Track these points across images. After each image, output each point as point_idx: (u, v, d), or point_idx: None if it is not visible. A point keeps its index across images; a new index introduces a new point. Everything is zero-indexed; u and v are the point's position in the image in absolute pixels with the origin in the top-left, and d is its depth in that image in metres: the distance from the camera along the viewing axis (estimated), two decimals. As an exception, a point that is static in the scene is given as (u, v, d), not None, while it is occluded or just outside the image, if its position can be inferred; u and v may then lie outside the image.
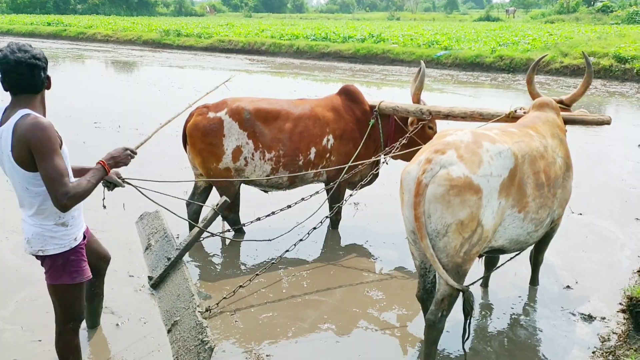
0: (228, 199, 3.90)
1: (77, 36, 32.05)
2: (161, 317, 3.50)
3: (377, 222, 5.30)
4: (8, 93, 2.43)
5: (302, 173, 4.52)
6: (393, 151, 4.49)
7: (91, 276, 2.73)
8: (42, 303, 3.52)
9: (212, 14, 65.84)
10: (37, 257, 2.57)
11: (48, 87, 2.48)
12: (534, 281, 4.01)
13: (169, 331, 3.29)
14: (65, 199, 2.31)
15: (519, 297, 3.92)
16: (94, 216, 3.91)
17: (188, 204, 4.61)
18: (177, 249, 3.85)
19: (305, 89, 13.63)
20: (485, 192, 2.74)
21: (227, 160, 4.31)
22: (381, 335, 3.45)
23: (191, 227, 4.10)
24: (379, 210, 5.54)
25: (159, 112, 10.26)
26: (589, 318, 3.59)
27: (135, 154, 2.79)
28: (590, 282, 4.10)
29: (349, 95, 4.73)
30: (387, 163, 4.74)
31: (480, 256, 3.34)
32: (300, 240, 4.10)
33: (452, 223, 2.72)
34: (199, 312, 3.17)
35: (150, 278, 3.90)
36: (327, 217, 4.38)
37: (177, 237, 4.45)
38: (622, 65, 15.20)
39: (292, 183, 4.59)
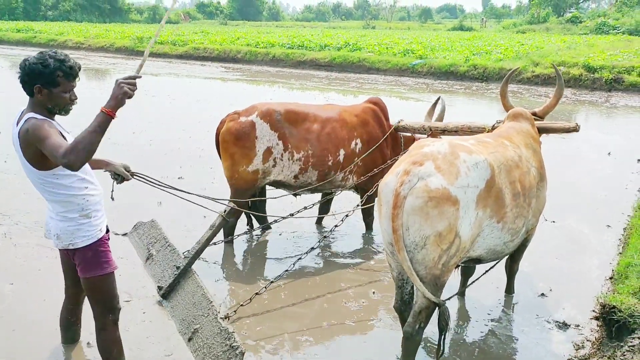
0: (235, 206, 3.97)
1: (47, 43, 31.34)
2: (176, 325, 3.49)
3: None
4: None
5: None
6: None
7: (116, 267, 2.85)
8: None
9: (187, 22, 65.34)
10: (68, 252, 2.73)
11: (42, 99, 2.51)
12: (509, 290, 4.04)
13: (189, 339, 3.28)
14: (66, 156, 2.32)
15: (495, 305, 3.93)
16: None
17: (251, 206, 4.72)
18: (185, 257, 3.85)
19: (281, 98, 13.60)
20: (462, 203, 2.75)
21: (258, 161, 4.41)
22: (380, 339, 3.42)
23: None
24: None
25: (131, 121, 10.08)
26: (564, 326, 3.62)
27: (139, 77, 2.69)
28: (564, 289, 4.14)
29: (376, 105, 4.92)
30: None
31: (457, 267, 3.34)
32: (319, 242, 4.25)
33: (431, 235, 2.71)
34: (220, 318, 3.19)
35: (160, 288, 3.85)
36: (342, 220, 4.43)
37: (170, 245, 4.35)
38: (591, 75, 15.60)
39: (321, 185, 4.66)
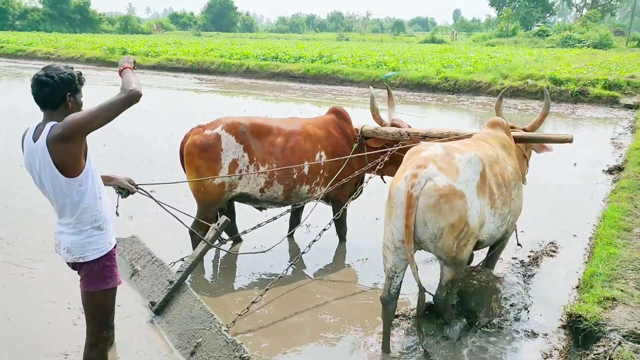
0: (229, 219, 3.95)
1: (15, 53, 30.69)
2: (174, 340, 3.46)
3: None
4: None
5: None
6: (377, 167, 4.74)
7: (120, 282, 2.87)
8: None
9: (160, 32, 64.87)
10: (75, 265, 2.72)
11: (69, 107, 2.59)
12: None
13: (192, 353, 3.25)
14: (128, 92, 2.49)
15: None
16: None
17: (192, 233, 4.52)
18: (178, 271, 3.82)
19: (255, 109, 13.59)
20: (468, 195, 3.16)
21: (224, 174, 4.38)
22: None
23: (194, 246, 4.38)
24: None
25: (102, 133, 9.93)
26: (532, 335, 3.69)
27: (133, 191, 3.15)
28: (532, 298, 4.22)
29: (338, 114, 4.95)
30: (366, 182, 4.90)
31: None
32: (303, 252, 4.29)
33: (445, 226, 3.12)
34: (225, 330, 3.19)
35: (152, 303, 3.78)
36: (324, 229, 4.46)
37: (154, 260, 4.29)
38: (558, 87, 16.06)
39: (287, 198, 4.68)
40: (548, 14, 63.57)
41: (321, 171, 4.72)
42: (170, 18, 78.73)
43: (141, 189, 3.28)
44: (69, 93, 2.56)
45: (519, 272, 4.67)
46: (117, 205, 3.16)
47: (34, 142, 2.54)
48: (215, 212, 4.51)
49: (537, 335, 3.68)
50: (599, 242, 4.50)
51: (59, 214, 2.69)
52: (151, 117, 12.09)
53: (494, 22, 64.46)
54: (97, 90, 17.63)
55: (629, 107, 14.51)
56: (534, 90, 16.24)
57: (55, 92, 2.53)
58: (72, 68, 2.64)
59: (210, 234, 3.90)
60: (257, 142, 4.48)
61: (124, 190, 3.15)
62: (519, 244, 4.41)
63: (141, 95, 2.54)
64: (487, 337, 3.69)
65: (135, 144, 9.32)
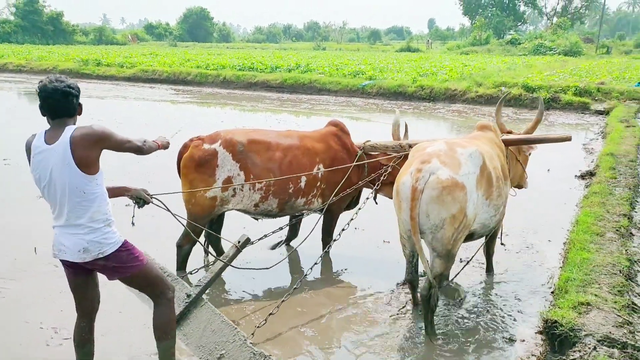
0: (249, 237, 3.95)
1: (-14, 65, 30.06)
2: (193, 352, 3.45)
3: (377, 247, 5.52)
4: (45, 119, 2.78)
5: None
6: (376, 184, 4.85)
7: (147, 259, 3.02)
8: None
9: (135, 43, 64.30)
10: (92, 264, 2.80)
11: (79, 113, 2.80)
12: (488, 269, 4.74)
13: None
14: (144, 146, 2.89)
15: (440, 320, 4.00)
16: None
17: (207, 236, 4.75)
18: (196, 285, 3.83)
19: (232, 120, 13.53)
20: (468, 187, 3.38)
21: (217, 190, 4.41)
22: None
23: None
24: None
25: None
26: (509, 341, 3.72)
27: (149, 201, 3.30)
28: (510, 304, 4.27)
29: (337, 127, 5.00)
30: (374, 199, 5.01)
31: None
32: (315, 264, 4.31)
33: (447, 217, 3.33)
34: (250, 343, 3.23)
35: None
36: (334, 240, 4.64)
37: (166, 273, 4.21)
38: (530, 94, 16.38)
39: (282, 210, 4.73)
40: (520, 23, 65.05)
41: (318, 183, 4.75)
42: (146, 29, 78.02)
43: (156, 199, 3.36)
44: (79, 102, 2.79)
45: (493, 277, 4.72)
46: (133, 216, 3.34)
47: (48, 144, 2.66)
48: (204, 224, 4.48)
49: (515, 341, 3.72)
50: (573, 247, 4.57)
51: (61, 216, 2.75)
52: (126, 129, 11.92)
53: (468, 31, 65.64)
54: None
55: (599, 113, 14.88)
56: (507, 98, 16.53)
57: (76, 100, 2.73)
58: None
59: (230, 251, 3.90)
60: (255, 159, 4.48)
61: (141, 200, 3.25)
62: (502, 244, 4.55)
63: (143, 150, 2.91)
64: (464, 342, 3.71)
65: (109, 157, 9.11)
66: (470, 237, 3.82)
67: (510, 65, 25.31)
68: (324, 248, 5.20)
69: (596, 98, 15.94)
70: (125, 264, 2.85)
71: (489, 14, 61.33)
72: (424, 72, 21.45)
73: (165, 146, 3.18)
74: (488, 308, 4.22)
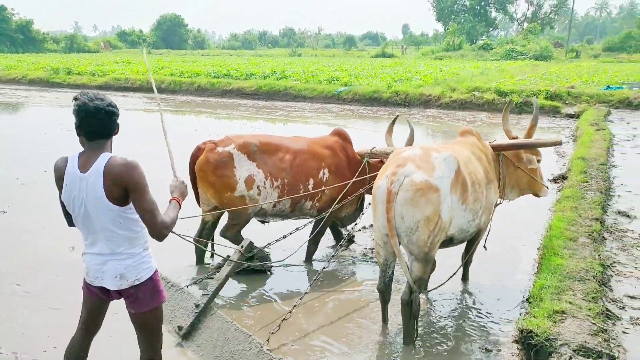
0: (252, 241, 4.00)
1: (-49, 75, 29.19)
2: None
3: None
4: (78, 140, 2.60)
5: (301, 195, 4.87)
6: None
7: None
8: None
9: (107, 51, 63.38)
10: (130, 290, 2.65)
11: (116, 133, 2.63)
12: (464, 278, 4.74)
13: None
14: (164, 228, 2.55)
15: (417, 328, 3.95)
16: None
17: (204, 243, 4.82)
18: (204, 294, 3.77)
19: (207, 128, 13.36)
20: (442, 190, 3.46)
21: (242, 188, 4.60)
22: None
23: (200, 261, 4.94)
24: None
25: (44, 158, 9.49)
26: (486, 350, 3.68)
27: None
28: (485, 312, 4.24)
29: (341, 136, 5.22)
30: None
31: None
32: (324, 268, 4.42)
33: (421, 219, 3.40)
34: (267, 350, 3.23)
35: (179, 328, 3.68)
36: (340, 245, 4.81)
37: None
38: (503, 99, 16.61)
39: (292, 211, 4.94)
40: (491, 28, 66.29)
41: (322, 188, 4.95)
42: (119, 36, 77.03)
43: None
44: (118, 124, 2.64)
45: (468, 284, 4.69)
46: None
47: (82, 172, 2.50)
48: (245, 223, 4.76)
49: (491, 351, 3.68)
50: (547, 253, 4.58)
51: (105, 246, 2.61)
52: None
53: (441, 36, 66.58)
54: (40, 113, 16.94)
55: (570, 116, 15.16)
56: (480, 102, 16.75)
57: (111, 122, 2.56)
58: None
59: (234, 256, 3.92)
60: (268, 159, 4.72)
61: None
62: (484, 247, 4.58)
63: (161, 237, 2.59)
64: (441, 352, 3.66)
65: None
66: (449, 242, 3.87)
67: (483, 70, 25.69)
68: (306, 258, 5.26)
69: (567, 102, 16.25)
70: (151, 296, 2.70)
71: (462, 20, 62.41)
72: (399, 78, 21.60)
73: (184, 195, 2.88)
74: (463, 316, 4.18)
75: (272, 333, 3.62)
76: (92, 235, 2.61)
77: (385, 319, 3.96)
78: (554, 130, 13.64)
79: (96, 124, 2.49)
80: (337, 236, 5.68)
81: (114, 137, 2.63)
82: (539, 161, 4.65)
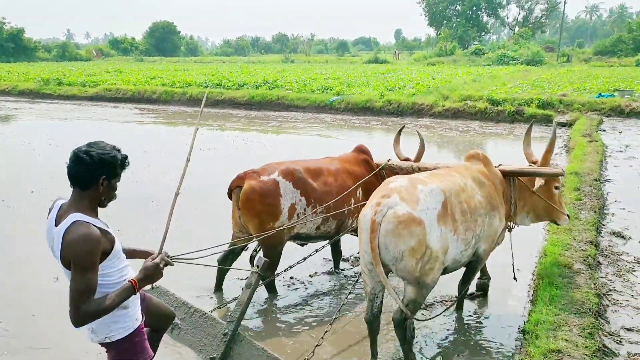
0: (267, 259, 3.89)
1: (-60, 86, 28.89)
2: None
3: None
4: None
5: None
6: None
7: (153, 354, 2.75)
8: None
9: (99, 58, 63.13)
10: (103, 345, 2.58)
11: (100, 191, 2.42)
12: (459, 306, 4.65)
13: None
14: (82, 316, 2.31)
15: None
16: None
17: (220, 266, 4.77)
18: (229, 321, 3.68)
19: (199, 140, 13.18)
20: (427, 222, 3.46)
21: (284, 218, 4.56)
22: None
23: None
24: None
25: (30, 177, 9.33)
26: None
27: (172, 264, 2.73)
28: (480, 345, 4.14)
29: (364, 152, 5.35)
30: None
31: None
32: (350, 292, 4.43)
33: (405, 250, 3.43)
34: None
35: (212, 359, 3.59)
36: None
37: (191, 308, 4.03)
38: (495, 108, 16.58)
39: (337, 232, 4.97)
40: (483, 33, 66.59)
41: (358, 205, 4.98)
42: (111, 44, 76.75)
43: (180, 260, 2.98)
44: (104, 176, 2.40)
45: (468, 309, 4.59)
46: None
47: (55, 226, 2.39)
48: (280, 253, 4.71)
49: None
50: (541, 282, 4.48)
51: None
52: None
53: (434, 41, 66.84)
54: (29, 126, 16.73)
55: (562, 125, 15.12)
56: (473, 111, 16.72)
57: (89, 171, 2.37)
58: (119, 150, 2.48)
59: (252, 278, 3.82)
60: (313, 184, 4.72)
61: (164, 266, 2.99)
62: (515, 278, 4.55)
63: (75, 323, 2.34)
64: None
65: (67, 188, 8.72)
66: (443, 271, 3.77)
67: (475, 76, 25.71)
68: (335, 266, 5.59)
69: (559, 110, 16.24)
70: (122, 357, 2.58)
71: (454, 25, 62.66)
72: (392, 87, 21.56)
73: (151, 279, 2.59)
74: (457, 351, 4.07)
75: (308, 359, 3.64)
76: None
77: (374, 353, 3.82)
78: (547, 140, 13.57)
79: (71, 170, 2.39)
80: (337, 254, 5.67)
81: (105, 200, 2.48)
82: (557, 187, 4.59)
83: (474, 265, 4.22)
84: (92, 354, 3.98)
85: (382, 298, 3.72)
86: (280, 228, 4.49)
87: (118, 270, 2.53)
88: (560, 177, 4.61)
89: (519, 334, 4.17)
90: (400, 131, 5.45)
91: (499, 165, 4.50)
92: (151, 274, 2.53)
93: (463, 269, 4.27)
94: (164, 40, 75.59)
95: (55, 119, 18.28)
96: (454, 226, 3.62)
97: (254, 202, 4.49)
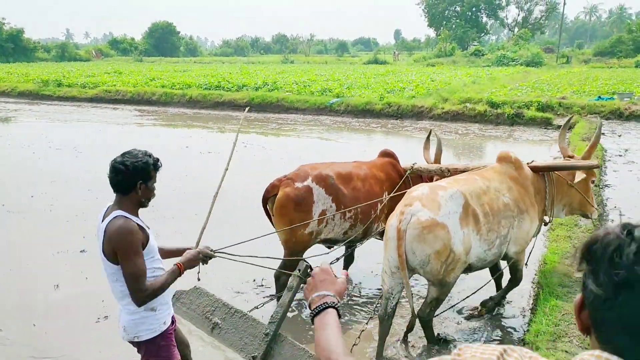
0: (309, 263, 3.83)
1: (-61, 87, 28.87)
2: None
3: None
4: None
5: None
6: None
7: None
8: None
9: (99, 59, 63.08)
10: (133, 344, 2.81)
11: (139, 195, 2.68)
12: (498, 303, 4.77)
13: None
14: (142, 297, 2.63)
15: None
16: None
17: (277, 277, 4.81)
18: (270, 322, 3.68)
19: (198, 143, 13.22)
20: (450, 226, 3.67)
21: (314, 224, 4.62)
22: None
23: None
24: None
25: (30, 182, 9.33)
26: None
27: (213, 256, 3.05)
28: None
29: (391, 156, 5.38)
30: None
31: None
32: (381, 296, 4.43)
33: (431, 253, 3.66)
34: None
35: (254, 358, 3.60)
36: None
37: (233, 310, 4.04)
38: (495, 110, 16.58)
39: (365, 236, 5.01)
40: (482, 34, 66.59)
41: (385, 210, 5.03)
42: (110, 44, 76.60)
43: (220, 253, 3.22)
44: (141, 181, 2.67)
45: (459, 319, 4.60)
46: (199, 272, 3.27)
47: (101, 222, 2.68)
48: (301, 256, 4.70)
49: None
50: (542, 292, 4.49)
51: (114, 296, 2.80)
52: (86, 159, 11.49)
53: (433, 41, 66.87)
54: (28, 128, 16.71)
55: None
56: (473, 114, 16.73)
57: (126, 179, 2.65)
58: (150, 155, 2.72)
59: (294, 281, 3.80)
60: (344, 190, 4.76)
61: (206, 257, 3.19)
62: (525, 264, 4.65)
63: (138, 303, 2.67)
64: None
65: (67, 193, 8.75)
66: (468, 269, 4.03)
67: (475, 78, 25.72)
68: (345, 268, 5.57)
69: (558, 113, 16.26)
70: (150, 357, 2.78)
71: (453, 25, 62.68)
72: (391, 89, 21.57)
73: (191, 266, 2.92)
74: None
75: None
76: None
77: (379, 354, 3.92)
78: (547, 142, 13.62)
79: (112, 180, 2.67)
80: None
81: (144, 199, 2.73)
82: (592, 182, 4.74)
83: (514, 265, 4.43)
84: (93, 364, 3.99)
85: (398, 299, 3.92)
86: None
87: (150, 270, 2.73)
88: (595, 171, 4.75)
89: (519, 344, 4.19)
90: (428, 137, 5.49)
91: (532, 162, 4.53)
92: (193, 259, 2.89)
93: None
94: (163, 41, 75.55)
95: (54, 121, 18.28)
96: (476, 227, 3.80)
97: (288, 210, 4.56)
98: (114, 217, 2.63)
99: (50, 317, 4.67)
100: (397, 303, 3.92)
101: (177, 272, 2.80)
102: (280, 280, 4.80)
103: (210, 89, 23.04)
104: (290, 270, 4.62)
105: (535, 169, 4.44)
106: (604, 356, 0.90)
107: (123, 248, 2.59)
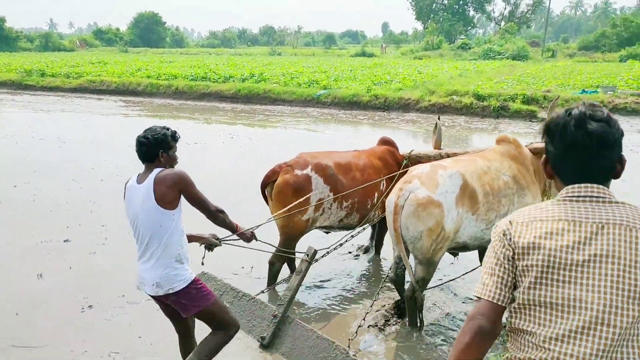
0: (316, 249, 4.10)
1: None
2: None
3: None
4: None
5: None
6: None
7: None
8: None
9: (83, 49, 62.11)
10: (166, 298, 3.07)
11: (168, 161, 3.10)
12: None
13: None
14: (214, 211, 3.15)
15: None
16: None
17: (272, 263, 4.86)
18: (279, 304, 3.90)
19: (184, 134, 13.09)
20: (445, 205, 3.79)
21: (311, 211, 4.71)
22: None
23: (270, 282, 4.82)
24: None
25: (12, 172, 9.21)
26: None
27: (219, 244, 3.56)
28: None
29: (389, 144, 5.50)
30: None
31: (453, 254, 4.85)
32: (387, 275, 4.58)
33: (424, 230, 3.80)
34: (354, 355, 3.42)
35: (262, 338, 3.79)
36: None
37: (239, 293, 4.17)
38: (481, 103, 16.71)
39: (360, 223, 5.12)
40: (469, 27, 66.83)
41: (382, 197, 5.11)
42: (95, 34, 75.38)
43: (227, 242, 3.60)
44: (162, 150, 3.05)
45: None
46: (204, 257, 3.63)
47: (139, 184, 3.03)
48: (296, 243, 4.86)
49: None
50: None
51: (143, 253, 3.05)
52: (70, 149, 11.34)
53: (421, 35, 66.95)
54: (11, 118, 16.46)
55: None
56: (459, 107, 16.83)
57: (150, 150, 3.04)
58: (168, 129, 3.11)
59: (302, 265, 4.07)
60: (342, 180, 4.85)
61: (211, 245, 3.56)
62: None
63: (216, 218, 3.20)
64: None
65: (50, 182, 8.64)
66: (465, 248, 4.21)
67: (462, 71, 25.84)
68: (377, 251, 5.88)
69: (543, 106, 16.40)
70: (194, 302, 3.07)
71: (440, 19, 62.77)
72: (378, 81, 21.60)
73: (243, 237, 3.50)
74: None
75: (351, 339, 3.83)
76: (140, 242, 3.05)
77: (411, 321, 4.23)
78: (531, 135, 13.76)
79: (139, 151, 3.08)
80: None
81: (173, 154, 3.13)
82: None
83: None
84: (77, 352, 3.98)
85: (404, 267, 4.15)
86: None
87: (181, 229, 3.09)
88: None
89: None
90: (436, 125, 5.48)
91: (530, 143, 4.67)
92: (205, 237, 3.47)
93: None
94: (149, 31, 74.49)
95: (38, 111, 18.01)
96: (474, 207, 3.93)
97: (287, 196, 4.62)
98: (160, 170, 3.02)
99: (33, 306, 4.63)
100: (404, 270, 4.17)
101: (234, 228, 3.36)
102: (275, 266, 4.86)
103: (196, 80, 22.87)
104: (281, 255, 4.76)
105: (535, 150, 4.53)
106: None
107: (185, 181, 3.01)
